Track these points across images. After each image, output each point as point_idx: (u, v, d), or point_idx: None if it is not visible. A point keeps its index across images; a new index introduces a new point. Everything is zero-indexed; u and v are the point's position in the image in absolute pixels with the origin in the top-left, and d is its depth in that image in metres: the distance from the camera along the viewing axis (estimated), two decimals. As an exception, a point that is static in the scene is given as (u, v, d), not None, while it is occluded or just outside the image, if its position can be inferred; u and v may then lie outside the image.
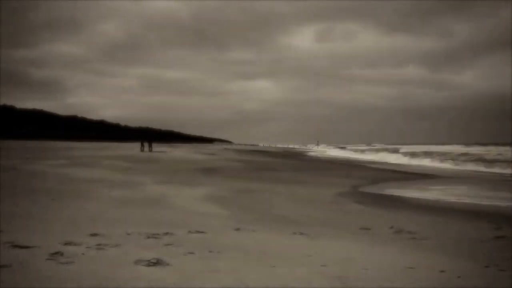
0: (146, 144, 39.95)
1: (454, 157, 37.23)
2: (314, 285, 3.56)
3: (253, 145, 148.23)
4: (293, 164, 30.10)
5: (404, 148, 61.95)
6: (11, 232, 4.93)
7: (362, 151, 63.45)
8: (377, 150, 61.94)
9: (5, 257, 3.81)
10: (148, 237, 5.10)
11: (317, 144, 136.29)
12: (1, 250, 4.06)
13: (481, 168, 26.17)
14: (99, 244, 4.52)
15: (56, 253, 4.05)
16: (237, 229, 6.09)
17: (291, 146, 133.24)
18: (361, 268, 4.13)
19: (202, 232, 5.64)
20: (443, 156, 39.51)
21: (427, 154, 42.25)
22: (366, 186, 14.33)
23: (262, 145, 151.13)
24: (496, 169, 24.92)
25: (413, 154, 42.93)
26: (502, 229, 7.29)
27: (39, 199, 8.49)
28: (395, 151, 53.59)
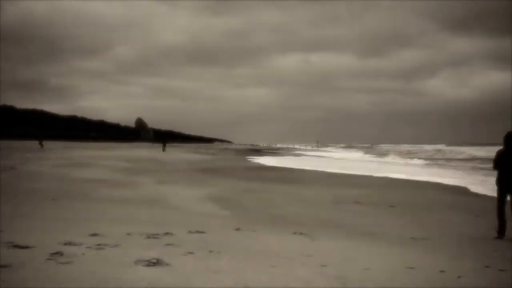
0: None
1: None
2: (314, 285, 3.56)
3: (252, 144, 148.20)
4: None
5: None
6: (11, 232, 4.93)
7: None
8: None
9: (5, 257, 3.81)
10: (148, 237, 5.10)
11: (317, 145, 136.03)
12: (1, 250, 4.06)
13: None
14: (99, 244, 4.51)
15: (56, 253, 4.04)
16: (237, 229, 6.09)
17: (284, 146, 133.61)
18: (361, 268, 4.13)
19: (202, 232, 5.64)
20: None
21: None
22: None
23: (262, 145, 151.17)
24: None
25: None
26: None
27: (39, 199, 8.49)
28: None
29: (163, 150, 44.54)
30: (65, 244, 4.43)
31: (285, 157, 43.64)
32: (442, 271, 4.22)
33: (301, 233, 6.06)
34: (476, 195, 12.46)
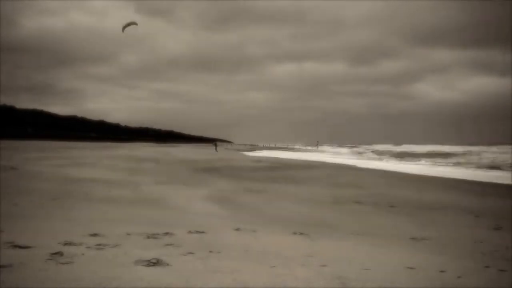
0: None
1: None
2: (314, 285, 3.56)
3: (252, 145, 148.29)
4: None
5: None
6: (11, 232, 4.93)
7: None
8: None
9: (5, 257, 3.81)
10: (148, 237, 5.10)
11: (317, 145, 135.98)
12: (1, 250, 4.07)
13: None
14: (99, 244, 4.52)
15: (56, 253, 4.05)
16: (237, 229, 6.09)
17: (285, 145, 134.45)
18: (361, 268, 4.13)
19: (202, 232, 5.64)
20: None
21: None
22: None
23: (262, 145, 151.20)
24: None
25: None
26: (502, 229, 7.30)
27: (39, 199, 8.49)
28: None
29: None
30: (65, 244, 4.44)
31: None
32: (442, 271, 4.22)
33: (301, 233, 6.06)
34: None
